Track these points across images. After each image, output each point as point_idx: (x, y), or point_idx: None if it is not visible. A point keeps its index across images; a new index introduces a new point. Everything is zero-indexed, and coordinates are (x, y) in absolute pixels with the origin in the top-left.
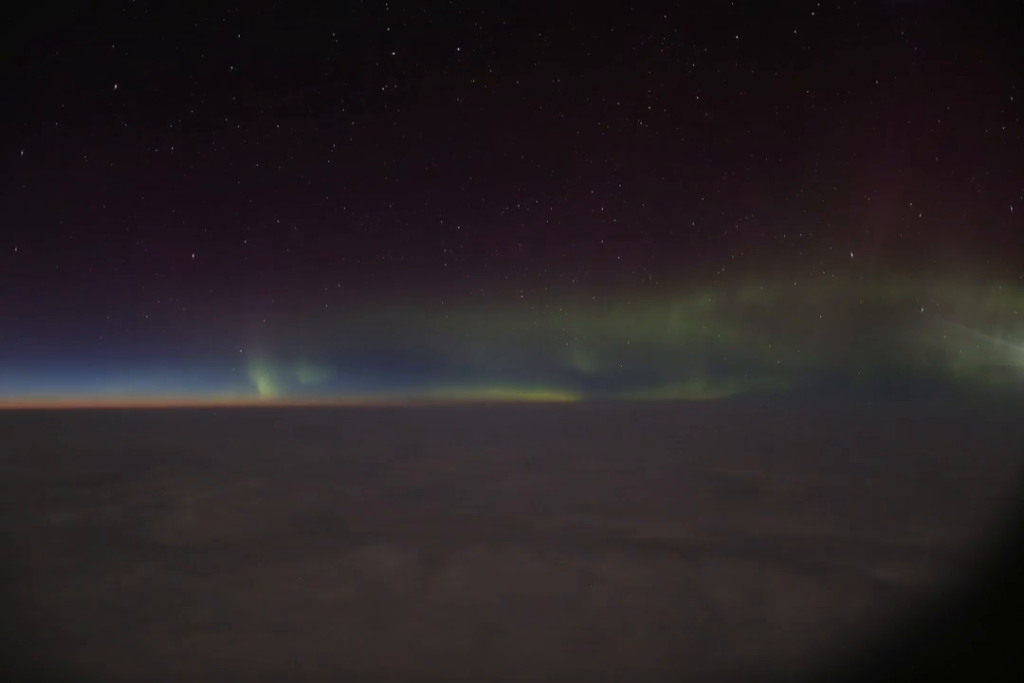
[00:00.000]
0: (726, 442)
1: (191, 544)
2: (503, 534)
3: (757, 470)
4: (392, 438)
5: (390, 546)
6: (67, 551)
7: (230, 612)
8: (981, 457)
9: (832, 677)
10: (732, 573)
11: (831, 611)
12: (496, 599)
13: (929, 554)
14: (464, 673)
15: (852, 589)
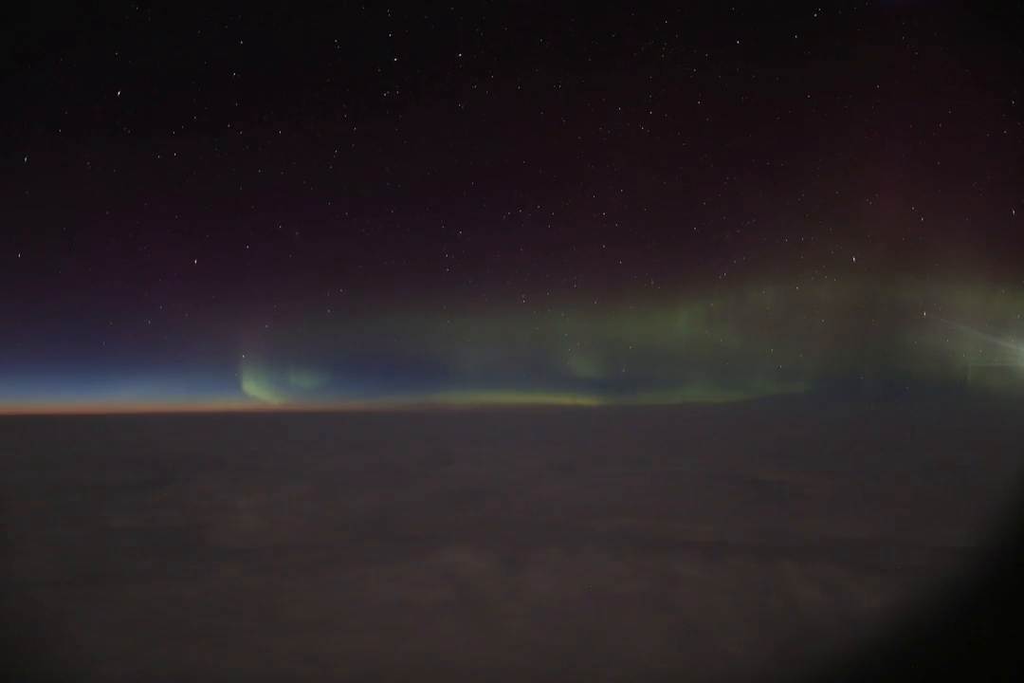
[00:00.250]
0: (745, 446)
1: (261, 547)
2: (568, 536)
3: (783, 474)
4: (411, 443)
5: (464, 548)
6: (142, 554)
7: (329, 613)
8: (992, 461)
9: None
10: (804, 572)
11: (914, 611)
12: (588, 599)
13: (974, 556)
14: (578, 672)
15: (925, 588)
